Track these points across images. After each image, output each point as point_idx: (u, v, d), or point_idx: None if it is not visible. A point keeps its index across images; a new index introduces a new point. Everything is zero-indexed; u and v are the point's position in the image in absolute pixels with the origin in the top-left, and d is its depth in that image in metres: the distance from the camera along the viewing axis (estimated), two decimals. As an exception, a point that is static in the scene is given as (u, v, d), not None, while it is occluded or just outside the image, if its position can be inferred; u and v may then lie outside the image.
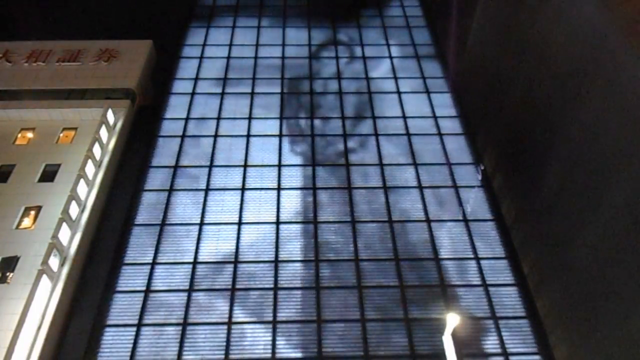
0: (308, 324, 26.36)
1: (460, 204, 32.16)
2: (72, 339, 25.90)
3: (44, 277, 25.44)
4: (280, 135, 36.57)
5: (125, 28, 45.36)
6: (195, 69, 42.28)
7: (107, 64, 38.67)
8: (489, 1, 35.46)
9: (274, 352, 25.26)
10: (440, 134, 36.86)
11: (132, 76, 37.82)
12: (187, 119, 37.80)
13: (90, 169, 31.33)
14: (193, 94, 40.06)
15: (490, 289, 27.98)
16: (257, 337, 25.86)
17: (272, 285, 27.91)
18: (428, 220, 31.19)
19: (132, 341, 25.63)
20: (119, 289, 27.77)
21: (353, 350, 25.47)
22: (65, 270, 26.86)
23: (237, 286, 27.89)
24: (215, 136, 36.44)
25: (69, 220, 28.33)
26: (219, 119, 37.84)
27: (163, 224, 30.85)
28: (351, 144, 36.10)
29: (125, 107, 36.03)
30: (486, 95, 35.36)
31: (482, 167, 34.14)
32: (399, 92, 40.29)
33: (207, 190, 32.77)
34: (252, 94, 40.04)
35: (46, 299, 25.48)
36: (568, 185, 24.97)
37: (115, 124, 35.10)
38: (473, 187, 33.38)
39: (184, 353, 25.26)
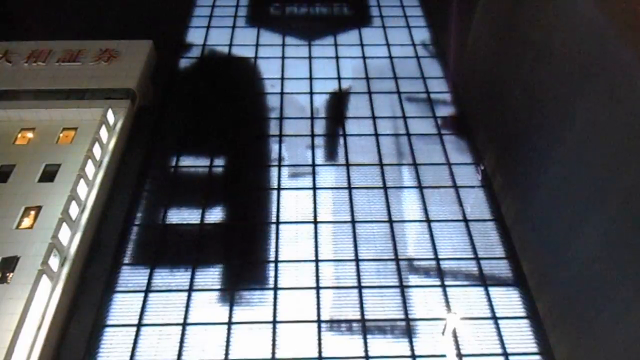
0: (308, 324, 26.36)
1: (460, 204, 32.14)
2: (72, 339, 25.88)
3: (44, 277, 25.42)
4: (280, 135, 36.54)
5: (125, 28, 45.31)
6: (196, 69, 42.23)
7: (107, 64, 38.64)
8: (489, 1, 35.47)
9: (273, 352, 25.24)
10: (440, 134, 36.84)
11: (132, 76, 37.78)
12: (187, 119, 37.80)
13: (90, 169, 31.30)
14: (193, 94, 40.04)
15: (490, 289, 27.96)
16: (257, 337, 25.86)
17: (272, 286, 27.90)
18: (428, 220, 31.18)
19: (132, 341, 25.60)
20: (119, 289, 27.75)
21: (353, 350, 25.44)
22: (65, 270, 26.84)
23: (237, 286, 27.86)
24: (215, 136, 36.42)
25: (69, 220, 28.31)
26: (218, 119, 37.81)
27: (163, 224, 30.83)
28: (351, 144, 36.10)
29: (125, 107, 36.00)
30: (486, 95, 35.36)
31: (482, 167, 34.13)
32: (399, 92, 40.27)
33: (207, 190, 32.75)
34: (252, 93, 40.03)
35: (46, 299, 25.45)
36: (568, 185, 24.97)
37: (115, 124, 35.07)
38: (473, 187, 33.37)
39: (184, 353, 25.24)
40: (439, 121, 36.99)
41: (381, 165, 34.51)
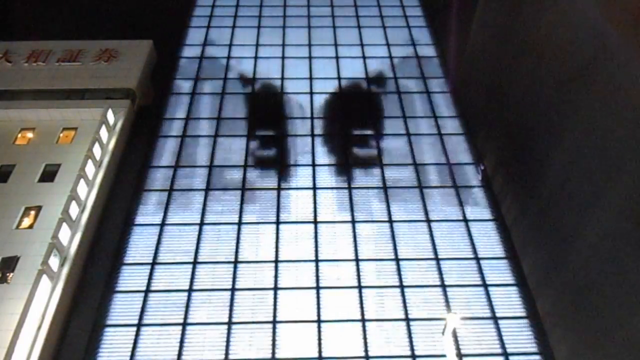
0: (309, 324, 26.36)
1: (461, 204, 32.15)
2: (72, 339, 25.88)
3: (44, 277, 25.42)
4: (281, 135, 36.57)
5: (125, 28, 45.36)
6: (195, 69, 42.31)
7: (107, 64, 38.63)
8: (489, 1, 35.48)
9: (273, 352, 25.25)
10: (440, 134, 36.85)
11: (132, 76, 37.78)
12: (187, 119, 37.85)
13: (90, 169, 31.31)
14: (193, 94, 40.07)
15: (490, 289, 27.95)
16: (257, 337, 25.86)
17: (272, 286, 27.90)
18: (428, 220, 31.18)
19: (132, 341, 25.59)
20: (119, 289, 27.74)
21: (353, 350, 25.44)
22: (65, 270, 26.84)
23: (237, 286, 27.88)
24: (215, 136, 36.45)
25: (69, 220, 28.32)
26: (219, 119, 37.87)
27: (163, 224, 30.84)
28: (352, 144, 36.10)
29: (125, 107, 36.01)
30: (486, 95, 35.37)
31: (482, 167, 34.12)
32: (399, 92, 40.27)
33: (207, 190, 32.76)
34: (252, 94, 40.02)
35: (46, 299, 25.46)
36: (568, 185, 24.98)
37: (115, 124, 35.08)
38: (473, 187, 33.37)
39: (184, 353, 25.24)
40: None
41: (381, 165, 34.52)
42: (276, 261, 28.99)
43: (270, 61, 43.22)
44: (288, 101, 39.55)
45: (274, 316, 26.54)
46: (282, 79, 41.44)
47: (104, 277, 28.16)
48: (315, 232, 30.43)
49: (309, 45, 45.10)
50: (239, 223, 30.92)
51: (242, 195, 32.51)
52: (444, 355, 24.74)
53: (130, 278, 28.23)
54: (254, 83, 41.12)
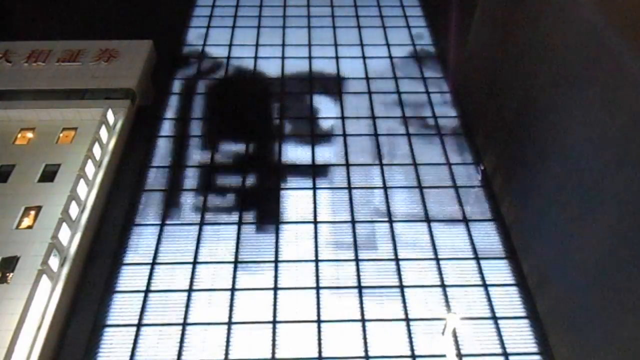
0: (309, 324, 26.36)
1: (461, 204, 32.14)
2: (72, 339, 25.87)
3: (44, 277, 25.41)
4: (280, 135, 36.56)
5: (125, 28, 45.32)
6: (195, 69, 42.29)
7: (107, 64, 38.60)
8: (489, 1, 35.48)
9: (273, 352, 25.25)
10: (440, 134, 36.85)
11: (132, 76, 37.75)
12: (187, 119, 37.83)
13: (90, 169, 31.29)
14: (193, 94, 40.05)
15: (490, 289, 27.96)
16: (257, 337, 25.86)
17: (272, 285, 27.90)
18: (428, 220, 31.18)
19: (131, 341, 25.60)
20: (119, 289, 27.77)
21: (353, 350, 25.43)
22: (65, 270, 26.82)
23: (237, 286, 27.88)
24: (215, 136, 36.42)
25: (69, 220, 28.31)
26: (218, 119, 37.84)
27: (163, 224, 30.85)
28: (351, 144, 36.08)
29: (125, 107, 35.98)
30: (486, 95, 35.36)
31: (482, 167, 34.14)
32: (399, 93, 40.27)
33: (207, 190, 32.76)
34: (252, 94, 40.02)
35: (46, 299, 25.44)
36: (568, 185, 24.97)
37: (115, 124, 35.05)
38: (473, 187, 33.37)
39: (184, 353, 25.24)
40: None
41: (381, 165, 34.51)
42: (276, 261, 29.00)
43: (270, 61, 43.24)
44: (288, 101, 39.54)
45: (274, 316, 26.55)
46: (282, 79, 41.46)
47: (103, 277, 28.17)
48: (315, 232, 30.43)
49: (309, 45, 45.11)
50: (239, 223, 30.93)
51: (242, 196, 32.51)
52: (444, 355, 24.77)
53: (130, 278, 28.26)
54: (254, 83, 41.11)
